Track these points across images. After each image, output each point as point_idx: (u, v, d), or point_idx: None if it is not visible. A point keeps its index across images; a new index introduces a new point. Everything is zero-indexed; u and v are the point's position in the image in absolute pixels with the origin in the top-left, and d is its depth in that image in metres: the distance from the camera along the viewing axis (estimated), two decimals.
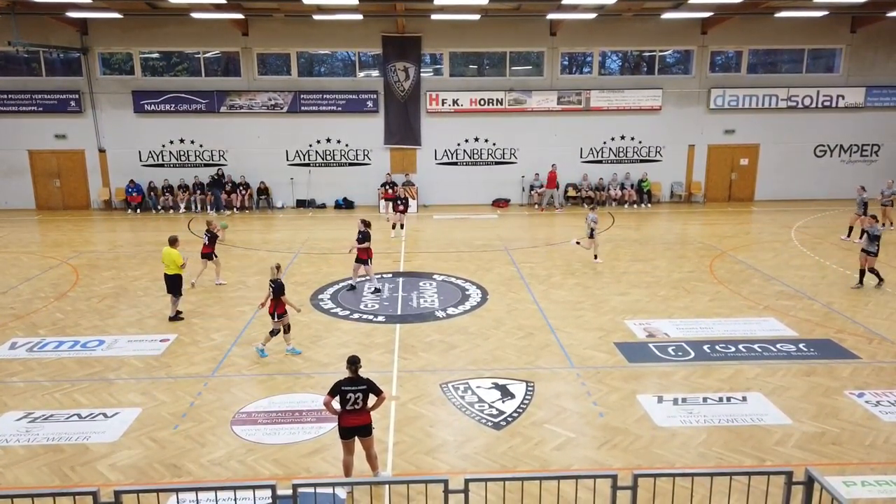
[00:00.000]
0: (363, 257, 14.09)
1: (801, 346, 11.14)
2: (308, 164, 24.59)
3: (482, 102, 24.13)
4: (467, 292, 14.24)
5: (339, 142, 24.47)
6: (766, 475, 5.30)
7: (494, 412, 8.92)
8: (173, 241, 12.68)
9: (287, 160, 24.41)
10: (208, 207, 23.76)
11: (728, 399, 9.25)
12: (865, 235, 14.23)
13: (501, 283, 14.89)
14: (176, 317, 12.56)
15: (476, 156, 24.74)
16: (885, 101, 24.28)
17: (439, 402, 9.23)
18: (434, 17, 21.08)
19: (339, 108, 24.06)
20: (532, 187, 24.61)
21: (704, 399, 9.25)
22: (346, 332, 11.96)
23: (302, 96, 23.84)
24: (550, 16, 21.66)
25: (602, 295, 13.94)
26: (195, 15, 20.47)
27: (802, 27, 23.29)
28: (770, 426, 8.51)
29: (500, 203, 24.74)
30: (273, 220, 22.49)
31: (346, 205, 24.56)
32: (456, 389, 9.59)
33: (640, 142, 24.74)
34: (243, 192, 23.95)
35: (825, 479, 5.16)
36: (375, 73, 24.31)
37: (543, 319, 12.48)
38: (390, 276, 15.50)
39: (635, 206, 24.26)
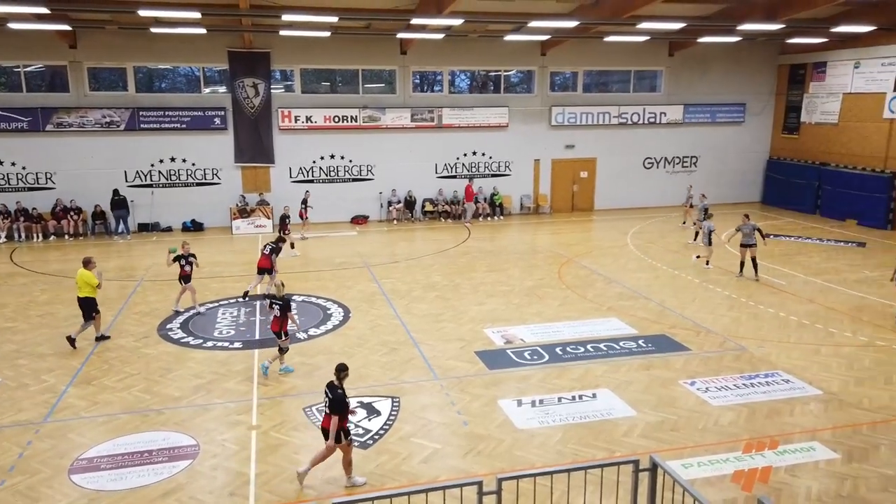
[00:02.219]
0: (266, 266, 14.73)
1: (640, 342, 12.12)
2: (151, 185, 23.05)
3: (336, 119, 24.00)
4: (329, 311, 14.03)
5: (184, 161, 23.18)
6: (617, 465, 5.72)
7: (361, 431, 8.84)
8: (87, 263, 11.89)
9: (126, 181, 22.73)
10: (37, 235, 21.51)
11: (580, 397, 9.86)
12: (744, 233, 15.92)
13: (363, 300, 14.83)
14: (102, 337, 12.19)
15: (332, 173, 24.52)
16: (700, 117, 27.19)
17: (304, 427, 9.00)
18: (283, 32, 20.68)
19: (184, 126, 22.83)
20: (390, 203, 24.79)
21: (559, 399, 9.78)
22: (200, 361, 11.33)
23: (141, 113, 22.35)
24: (400, 35, 22.05)
25: (461, 306, 14.31)
26: (13, 25, 18.53)
27: (628, 50, 25.53)
28: (618, 419, 9.18)
29: (359, 220, 24.66)
30: (112, 247, 20.81)
31: (194, 227, 23.28)
32: (321, 412, 9.39)
33: (490, 157, 25.78)
34: (75, 216, 21.91)
35: (667, 464, 5.65)
36: (222, 89, 23.38)
37: (406, 334, 12.59)
38: (246, 299, 14.89)
39: (489, 218, 25.21)
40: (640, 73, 26.87)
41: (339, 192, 24.16)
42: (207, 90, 23.33)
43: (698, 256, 17.90)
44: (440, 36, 22.08)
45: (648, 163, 27.23)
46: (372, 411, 9.40)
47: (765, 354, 11.46)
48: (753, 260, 15.97)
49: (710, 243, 17.26)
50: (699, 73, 26.79)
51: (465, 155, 25.52)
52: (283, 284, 11.20)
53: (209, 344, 12.14)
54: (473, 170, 25.65)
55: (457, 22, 19.11)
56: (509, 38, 22.74)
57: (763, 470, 7.87)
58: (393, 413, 9.36)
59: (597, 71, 26.57)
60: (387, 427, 8.97)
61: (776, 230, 22.38)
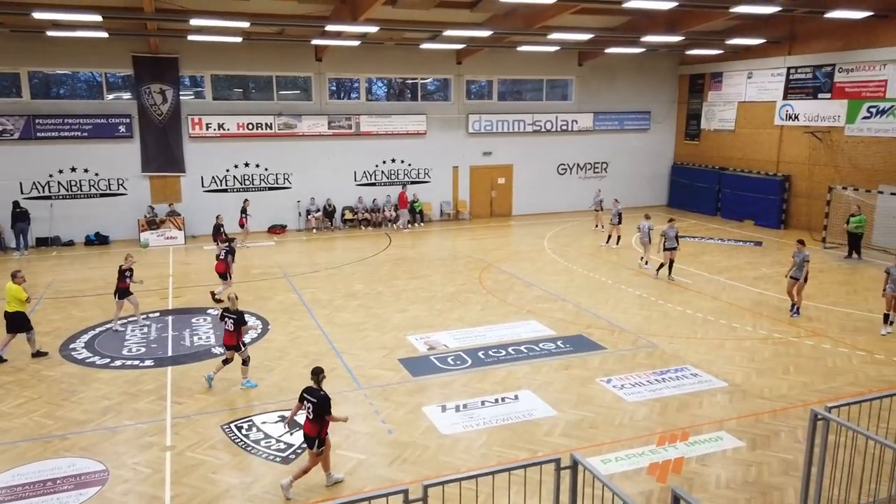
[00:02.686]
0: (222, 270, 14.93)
1: (559, 343, 12.46)
2: (49, 197, 21.71)
3: (250, 127, 23.41)
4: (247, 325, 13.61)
5: (86, 171, 21.97)
6: (539, 465, 5.84)
7: (283, 446, 8.64)
8: (14, 276, 11.34)
9: (23, 193, 21.30)
10: None
11: (503, 399, 10.02)
12: (668, 237, 16.55)
13: (283, 311, 14.52)
14: (38, 353, 11.53)
15: (248, 181, 23.88)
16: (609, 124, 28.29)
17: (221, 445, 8.70)
18: (191, 37, 19.99)
19: (86, 134, 21.64)
20: (308, 212, 24.40)
21: (483, 402, 9.91)
22: (107, 382, 10.76)
23: (37, 121, 21.03)
24: (315, 41, 21.79)
25: (384, 314, 14.26)
26: None
27: (540, 60, 26.27)
28: (539, 419, 9.39)
29: (277, 229, 24.13)
30: (7, 263, 19.42)
31: (98, 240, 22.08)
32: (239, 429, 9.12)
33: (409, 164, 25.85)
34: None
35: (587, 461, 5.82)
36: (127, 95, 22.34)
37: (329, 344, 12.42)
38: (157, 314, 14.27)
39: (410, 225, 25.23)
40: (552, 81, 27.69)
41: (255, 201, 23.53)
42: (111, 97, 22.25)
43: (642, 258, 18.44)
44: (356, 43, 21.98)
45: (562, 169, 28.07)
46: (294, 425, 9.18)
47: (674, 350, 12.03)
48: (671, 262, 16.70)
49: (649, 242, 18.00)
50: (607, 83, 27.89)
51: (384, 162, 25.48)
52: (236, 297, 10.84)
53: (117, 363, 11.55)
54: (393, 177, 25.65)
55: (372, 29, 19.09)
56: (425, 46, 22.93)
57: (676, 461, 8.25)
58: None
59: (511, 80, 27.18)
60: None
61: (682, 232, 23.49)
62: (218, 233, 18.91)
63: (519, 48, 23.86)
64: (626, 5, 16.87)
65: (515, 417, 9.43)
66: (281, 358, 11.74)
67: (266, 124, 23.54)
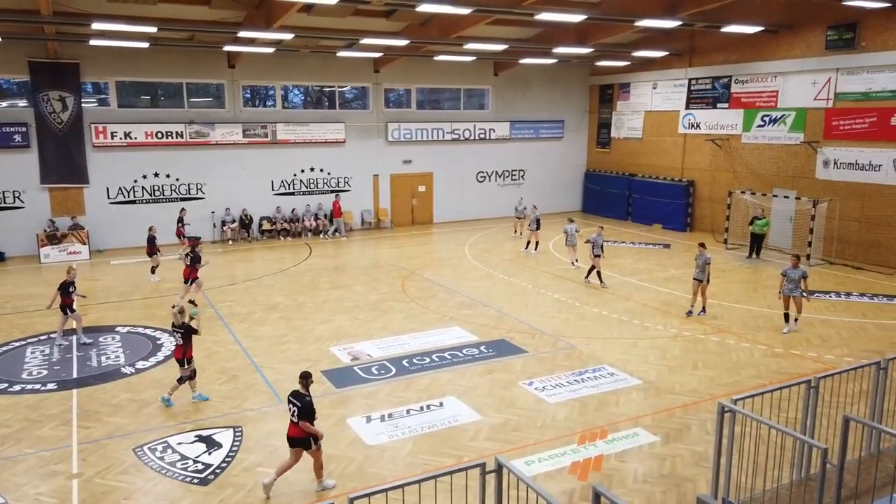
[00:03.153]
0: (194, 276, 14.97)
1: (481, 348, 12.62)
2: None
3: (160, 135, 22.49)
4: (159, 342, 13.07)
5: None
6: (465, 470, 5.88)
7: (200, 467, 8.33)
8: None
9: None
10: None
11: (428, 407, 10.05)
12: (597, 244, 16.88)
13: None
14: None
15: (157, 192, 22.92)
16: (525, 133, 28.98)
17: (134, 470, 8.29)
18: (93, 42, 19.02)
19: None
20: (224, 223, 23.66)
21: (408, 411, 9.90)
22: (5, 408, 10.04)
23: None
24: (227, 48, 21.21)
25: (306, 325, 14.01)
26: None
27: (457, 69, 26.62)
28: (464, 425, 9.47)
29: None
30: None
31: None
32: (153, 451, 8.72)
33: (328, 173, 25.55)
34: None
35: (511, 464, 5.92)
36: (23, 102, 20.99)
37: (248, 359, 12.07)
38: (58, 334, 13.44)
39: (339, 234, 24.92)
40: (470, 91, 28.12)
41: (166, 212, 22.62)
42: (5, 104, 20.84)
43: (574, 261, 19.13)
44: (270, 50, 21.56)
45: (481, 176, 28.50)
46: (212, 444, 8.88)
47: (592, 351, 12.43)
48: (598, 270, 17.11)
49: (575, 243, 18.77)
50: (522, 92, 28.58)
51: (302, 171, 25.07)
52: (182, 311, 10.31)
53: (16, 388, 10.79)
54: (312, 186, 25.27)
55: (287, 37, 18.78)
56: (342, 54, 22.77)
57: (596, 459, 8.52)
58: (236, 444, 8.92)
59: (429, 88, 27.39)
60: (229, 459, 8.52)
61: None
62: (153, 244, 18.13)
63: (436, 57, 24.11)
64: (537, 17, 17.38)
65: (441, 424, 9.48)
66: (197, 375, 11.30)
67: (177, 133, 22.68)
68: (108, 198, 22.22)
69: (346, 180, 25.87)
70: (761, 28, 20.50)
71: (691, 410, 9.92)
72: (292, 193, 25.04)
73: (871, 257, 19.32)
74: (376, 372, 11.42)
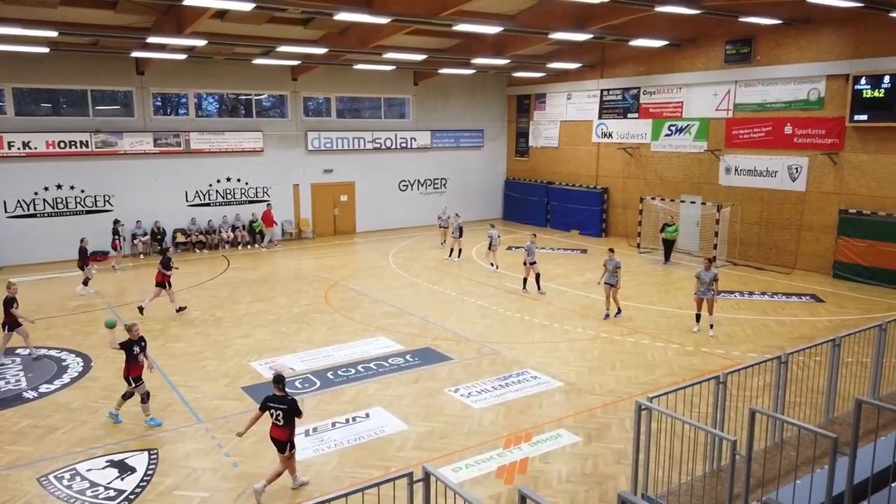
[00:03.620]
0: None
1: (407, 356, 12.61)
2: None
3: (62, 145, 21.27)
4: (65, 363, 12.33)
5: None
6: (392, 481, 5.85)
7: (112, 494, 7.90)
8: None
9: None
10: None
11: (354, 419, 9.94)
12: (531, 251, 17.04)
13: (108, 345, 13.27)
14: None
15: (61, 205, 21.64)
16: (446, 142, 29.26)
17: (39, 501, 7.77)
18: None
19: None
20: (135, 236, 22.61)
21: (333, 424, 9.75)
22: None
23: None
24: (135, 54, 20.34)
25: (225, 341, 13.57)
26: None
27: (378, 78, 26.59)
28: (391, 435, 9.43)
29: (98, 256, 22.06)
30: None
31: None
32: (60, 480, 8.20)
33: (246, 183, 24.90)
34: None
35: (438, 472, 5.93)
36: None
37: (163, 378, 11.56)
38: (0, 353, 12.47)
39: (249, 246, 24.28)
40: (390, 100, 28.13)
41: (71, 226, 21.37)
42: None
43: (492, 264, 19.60)
44: (182, 56, 20.85)
45: (403, 185, 28.53)
46: (125, 469, 8.45)
47: (515, 355, 12.66)
48: (537, 276, 17.25)
49: (496, 248, 19.51)
50: (442, 102, 28.86)
51: (218, 181, 24.32)
52: (132, 327, 9.86)
53: None
54: (229, 196, 24.55)
55: (199, 43, 18.21)
56: (258, 61, 22.29)
57: (521, 462, 8.67)
58: (151, 467, 8.52)
59: (349, 97, 27.22)
60: (144, 484, 8.13)
61: (517, 243, 24.88)
62: (85, 256, 17.62)
63: (355, 66, 24.01)
64: (455, 28, 17.63)
65: (367, 436, 9.39)
66: (108, 397, 10.73)
67: (81, 142, 21.53)
68: (6, 211, 20.81)
69: (265, 190, 25.30)
70: (666, 42, 21.59)
71: (611, 410, 10.26)
72: (208, 204, 24.24)
73: (770, 258, 20.63)
74: (300, 386, 11.19)
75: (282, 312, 15.69)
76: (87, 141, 21.60)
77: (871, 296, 16.90)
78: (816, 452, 6.15)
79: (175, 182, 23.46)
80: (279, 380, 7.87)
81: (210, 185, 24.21)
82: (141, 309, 15.08)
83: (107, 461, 8.63)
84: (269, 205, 24.70)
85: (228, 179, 24.52)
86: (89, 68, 21.30)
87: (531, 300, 16.68)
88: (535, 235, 18.47)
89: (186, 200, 23.84)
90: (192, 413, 10.15)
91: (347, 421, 9.86)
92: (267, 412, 7.79)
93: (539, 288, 17.30)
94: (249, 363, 12.26)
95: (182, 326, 14.54)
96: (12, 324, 12.30)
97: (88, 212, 22.06)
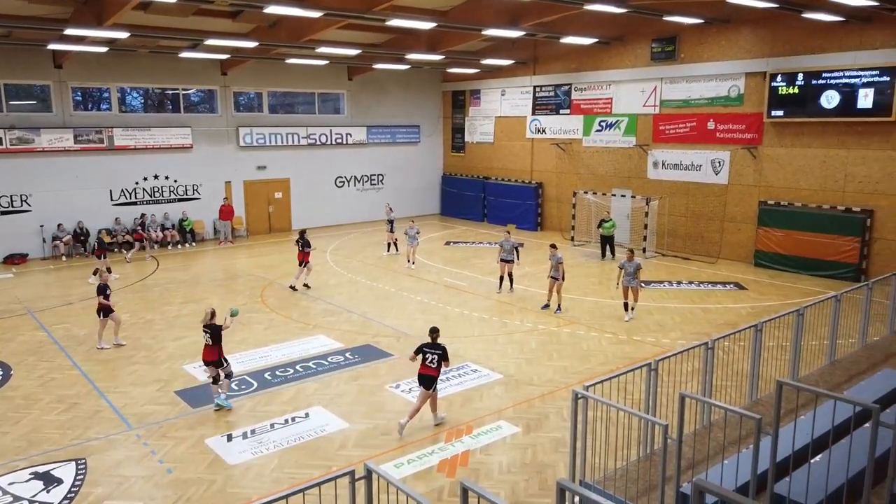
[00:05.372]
0: None
1: (347, 354, 12.52)
2: None
3: None
4: None
5: None
6: (334, 480, 5.80)
7: None
8: None
9: None
10: None
11: (293, 419, 9.80)
12: (505, 249, 16.77)
13: (28, 353, 12.64)
14: None
15: None
16: (382, 138, 29.10)
17: None
18: None
19: None
20: (56, 237, 21.52)
21: (272, 425, 9.59)
22: None
23: None
24: (53, 46, 19.32)
25: (156, 344, 13.12)
26: None
27: (311, 73, 26.17)
28: (332, 434, 9.35)
29: (16, 259, 20.92)
30: None
31: None
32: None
33: (175, 180, 24.08)
34: None
35: (380, 469, 5.92)
36: None
37: (90, 384, 11.09)
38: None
39: (179, 246, 23.51)
40: (324, 95, 27.75)
41: None
42: None
43: (409, 260, 19.72)
44: (103, 49, 19.96)
45: (340, 181, 28.23)
46: (51, 481, 8.07)
47: (456, 349, 12.73)
48: (510, 275, 16.98)
49: (417, 244, 19.62)
50: (377, 97, 28.68)
51: (145, 179, 23.44)
52: (213, 313, 10.19)
53: None
54: (157, 195, 23.70)
55: (122, 35, 17.47)
56: (185, 55, 21.58)
57: (463, 455, 8.76)
58: (79, 478, 8.17)
59: (282, 92, 26.70)
60: (72, 496, 7.78)
61: (455, 238, 25.06)
62: (103, 247, 18.96)
63: (287, 60, 23.56)
64: (389, 23, 17.55)
65: (308, 436, 9.28)
66: (29, 406, 10.22)
67: None
68: None
69: (196, 188, 24.54)
70: (596, 40, 22.12)
71: (549, 399, 10.48)
72: (135, 203, 23.32)
73: (696, 248, 21.49)
74: (236, 388, 10.94)
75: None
76: (1, 138, 20.40)
77: (789, 282, 17.86)
78: (742, 433, 6.46)
79: (99, 180, 22.47)
80: (434, 330, 9.54)
81: (136, 184, 23.30)
82: (293, 287, 17.16)
83: (31, 473, 8.22)
84: (225, 199, 24.25)
85: (156, 177, 23.67)
86: (1, 61, 20.12)
87: (469, 294, 16.83)
88: (508, 232, 17.63)
89: (111, 199, 22.87)
90: (122, 419, 9.78)
91: (287, 422, 9.71)
92: (420, 356, 9.35)
93: (511, 287, 16.98)
94: (182, 367, 11.90)
95: (109, 331, 13.95)
96: (106, 310, 12.72)
97: (4, 212, 20.86)
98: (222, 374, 10.19)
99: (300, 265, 17.33)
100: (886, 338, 10.44)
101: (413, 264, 19.67)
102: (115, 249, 22.14)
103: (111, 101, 22.90)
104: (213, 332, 10.02)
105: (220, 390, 10.16)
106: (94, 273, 17.57)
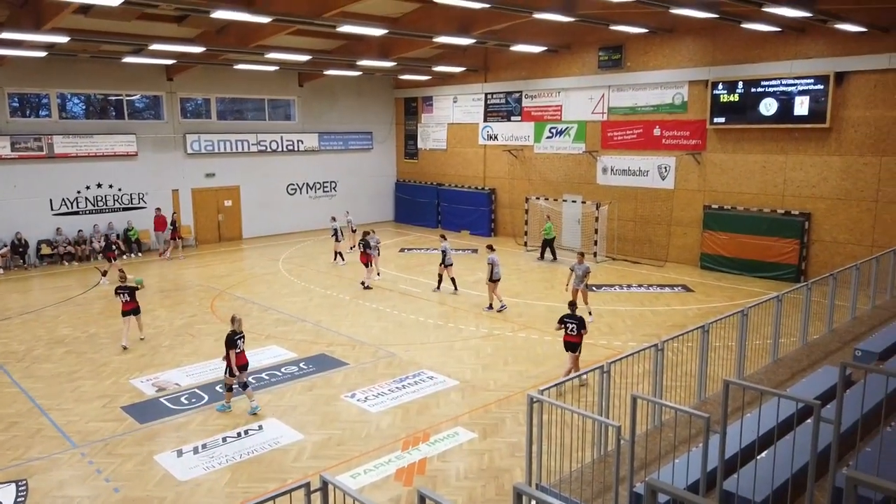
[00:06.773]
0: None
1: (301, 364, 12.34)
2: None
3: None
4: None
5: None
6: (289, 493, 5.71)
7: None
8: None
9: None
10: None
11: (246, 432, 9.60)
12: (442, 254, 17.12)
13: None
14: None
15: None
16: (334, 144, 28.87)
17: None
18: None
19: None
20: None
21: (224, 439, 9.38)
22: None
23: None
24: None
25: (101, 358, 12.68)
26: None
27: (260, 79, 25.80)
28: (286, 446, 9.20)
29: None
30: None
31: None
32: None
33: (119, 189, 23.37)
34: None
35: (336, 479, 5.85)
36: None
37: (30, 402, 10.64)
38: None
39: (125, 256, 22.79)
40: (274, 101, 27.39)
41: None
42: None
43: (377, 272, 19.21)
44: (42, 54, 19.24)
45: (292, 189, 27.87)
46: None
47: (411, 357, 12.72)
48: (452, 279, 17.42)
49: (378, 255, 19.13)
50: (329, 104, 28.46)
51: (87, 188, 22.67)
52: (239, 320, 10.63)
53: None
54: (101, 204, 22.94)
55: (61, 39, 16.87)
56: (129, 60, 20.98)
57: (420, 462, 8.73)
58: (20, 500, 7.82)
59: (231, 98, 26.23)
60: None
61: (409, 244, 25.04)
62: (111, 249, 19.41)
63: (236, 66, 23.17)
64: (339, 29, 17.44)
65: (261, 448, 9.11)
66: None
67: None
68: None
69: (141, 196, 23.87)
70: (545, 48, 22.47)
71: (504, 404, 10.55)
72: (77, 213, 22.53)
73: (645, 252, 22.00)
74: (186, 402, 10.67)
75: (163, 325, 14.87)
76: None
77: (733, 284, 18.45)
78: (692, 432, 6.64)
79: (38, 189, 21.62)
80: (572, 304, 11.24)
81: (78, 192, 22.51)
82: (364, 284, 17.95)
83: None
84: (158, 209, 23.50)
85: (99, 186, 22.92)
86: None
87: (424, 301, 16.82)
88: (444, 237, 18.13)
89: (52, 209, 22.03)
90: (66, 437, 9.41)
91: (239, 435, 9.51)
92: (563, 326, 10.84)
93: (455, 289, 17.53)
94: (129, 381, 11.54)
95: (50, 346, 13.43)
96: (135, 309, 13.38)
97: None
98: (244, 380, 10.36)
99: (365, 266, 18.04)
100: (825, 336, 10.88)
101: (378, 275, 19.09)
102: (59, 262, 21.33)
103: (51, 107, 22.09)
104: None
105: (250, 398, 10.30)
106: (103, 275, 18.71)
